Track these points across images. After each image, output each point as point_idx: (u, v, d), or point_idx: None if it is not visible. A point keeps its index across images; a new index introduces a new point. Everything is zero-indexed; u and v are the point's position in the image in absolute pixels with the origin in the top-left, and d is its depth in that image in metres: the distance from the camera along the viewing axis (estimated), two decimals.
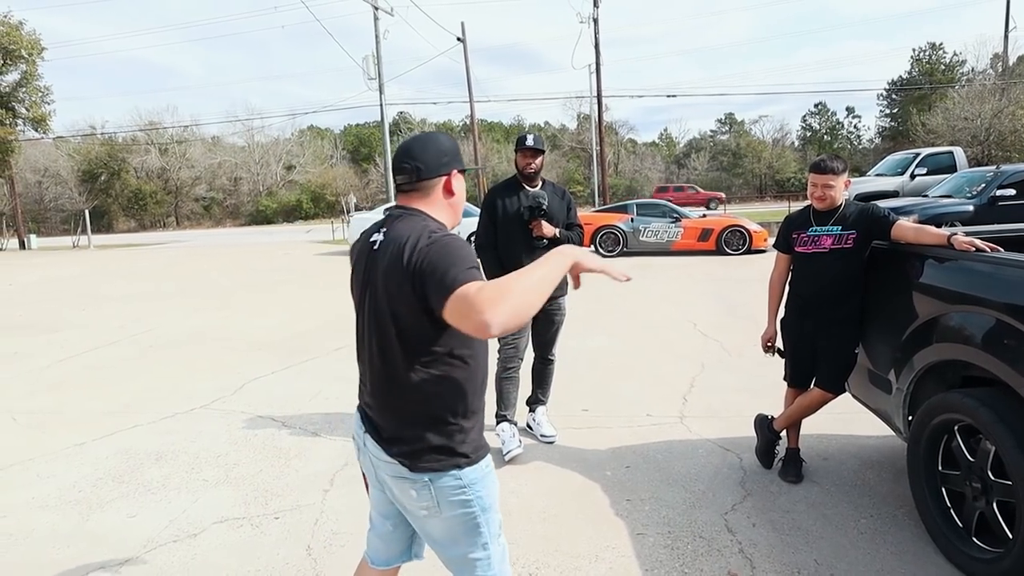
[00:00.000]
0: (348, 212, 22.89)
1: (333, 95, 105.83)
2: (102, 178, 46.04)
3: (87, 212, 28.69)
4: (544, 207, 3.58)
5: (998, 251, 2.52)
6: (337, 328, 7.51)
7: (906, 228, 2.92)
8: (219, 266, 15.55)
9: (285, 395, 5.00)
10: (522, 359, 3.79)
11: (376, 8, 22.55)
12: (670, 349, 6.06)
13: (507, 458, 3.56)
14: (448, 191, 1.68)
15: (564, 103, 55.24)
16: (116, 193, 46.35)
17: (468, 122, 32.59)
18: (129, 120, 52.25)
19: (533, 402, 3.98)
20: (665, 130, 62.80)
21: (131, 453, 3.94)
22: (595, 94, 27.00)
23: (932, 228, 2.88)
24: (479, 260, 3.64)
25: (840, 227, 3.07)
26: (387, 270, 1.53)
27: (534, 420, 3.96)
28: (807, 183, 3.23)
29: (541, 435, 3.88)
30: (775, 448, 3.44)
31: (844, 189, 3.11)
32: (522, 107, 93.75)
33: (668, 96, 70.02)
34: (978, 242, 2.57)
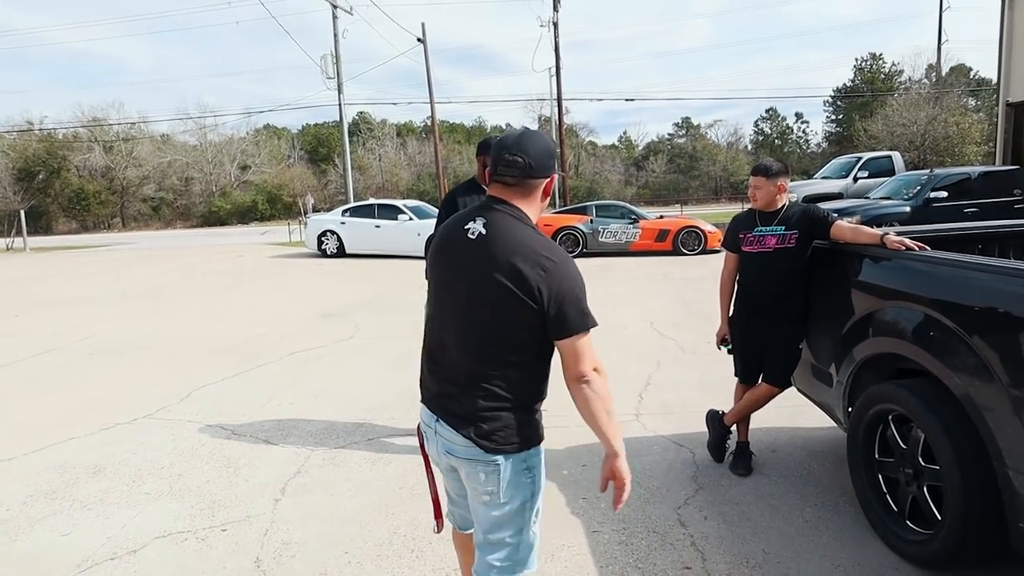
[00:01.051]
0: (306, 213, 22.50)
1: (290, 94, 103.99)
2: (40, 177, 44.05)
3: (23, 213, 27.38)
4: None
5: (925, 250, 2.64)
6: (292, 332, 7.38)
7: (844, 228, 3.04)
8: (168, 269, 15.10)
9: (236, 402, 4.88)
10: None
11: (335, 7, 22.27)
12: (627, 348, 6.14)
13: None
14: (547, 193, 1.72)
15: (525, 105, 55.53)
16: (56, 193, 44.41)
17: (429, 123, 32.48)
18: (71, 116, 49.90)
19: None
20: (624, 133, 63.55)
21: (66, 467, 3.78)
22: (555, 97, 27.20)
23: (867, 228, 3.01)
24: None
25: (783, 227, 3.18)
26: (498, 267, 1.58)
27: None
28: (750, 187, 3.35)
29: None
30: (726, 442, 3.53)
31: (781, 191, 3.21)
32: (483, 109, 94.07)
33: (627, 100, 71.10)
34: (908, 241, 2.70)
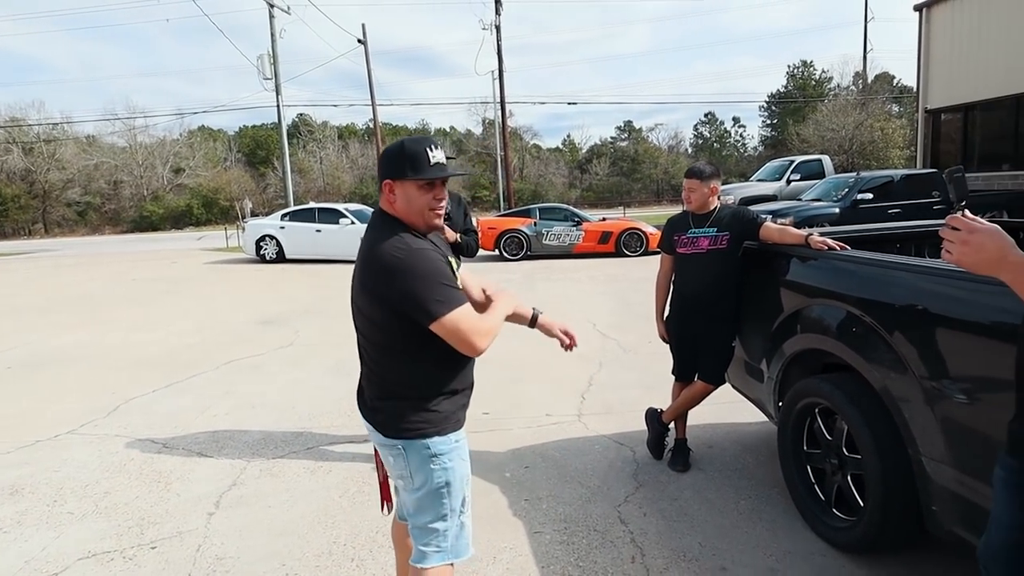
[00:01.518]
0: (243, 218, 21.84)
1: (226, 95, 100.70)
2: None
3: None
4: (448, 212, 3.56)
5: (846, 249, 2.76)
6: (228, 341, 7.15)
7: (772, 229, 3.15)
8: (95, 276, 14.41)
9: (167, 414, 4.69)
10: None
11: (272, 6, 21.73)
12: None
13: None
14: (388, 194, 1.81)
15: (469, 108, 55.54)
16: None
17: (371, 125, 32.00)
18: None
19: None
20: (568, 136, 64.31)
21: None
22: (499, 100, 27.28)
23: (793, 229, 3.13)
24: None
25: (715, 229, 3.27)
26: (359, 274, 1.80)
27: None
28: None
29: None
30: (665, 439, 3.60)
31: (713, 194, 3.31)
32: (427, 111, 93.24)
33: (569, 104, 71.98)
34: (830, 241, 2.82)
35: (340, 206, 16.21)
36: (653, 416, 3.64)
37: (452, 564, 1.89)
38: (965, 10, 15.54)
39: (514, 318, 2.05)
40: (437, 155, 1.76)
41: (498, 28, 25.80)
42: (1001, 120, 15.04)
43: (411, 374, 1.79)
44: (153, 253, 20.95)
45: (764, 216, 3.36)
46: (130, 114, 48.22)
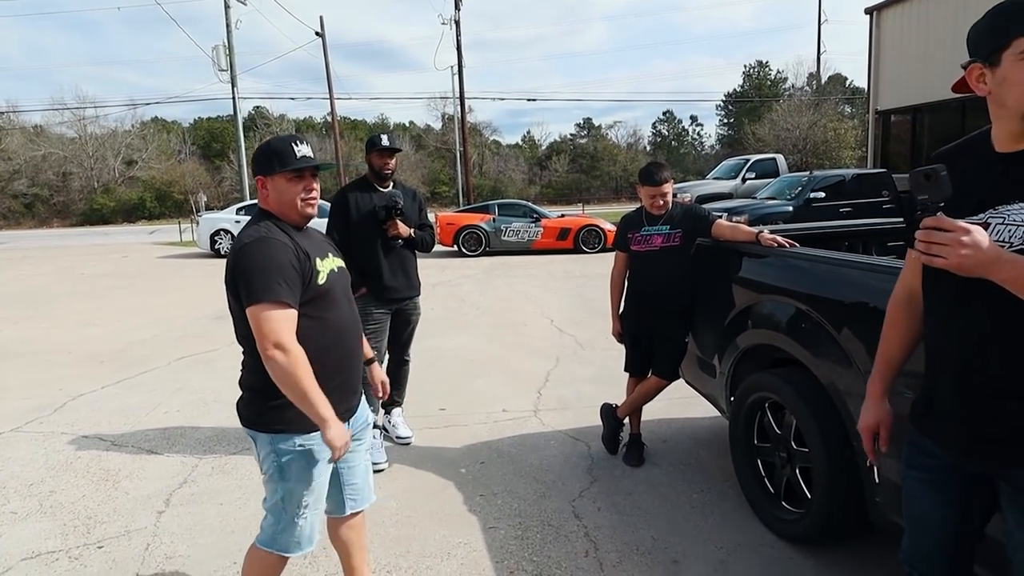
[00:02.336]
0: (198, 212, 21.25)
1: (180, 86, 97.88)
2: None
3: None
4: (400, 206, 3.54)
5: (795, 247, 2.84)
6: (180, 336, 6.97)
7: (723, 226, 3.23)
8: (42, 271, 13.86)
9: (116, 411, 4.55)
10: (384, 361, 3.73)
11: None
12: (527, 345, 6.23)
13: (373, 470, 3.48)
14: (261, 190, 1.93)
15: (428, 103, 55.18)
16: None
17: (330, 119, 31.43)
18: None
19: (388, 404, 3.92)
20: (528, 132, 64.37)
21: None
22: (458, 95, 27.15)
23: (744, 226, 3.21)
24: None
25: (668, 226, 3.32)
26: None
27: (389, 422, 3.91)
28: (641, 191, 3.38)
29: (397, 436, 3.84)
30: (619, 434, 3.65)
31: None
32: (386, 106, 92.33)
33: (529, 100, 72.15)
34: (779, 239, 2.89)
35: None
36: (608, 412, 3.69)
37: (273, 553, 1.95)
38: (913, 13, 16.10)
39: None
40: (303, 149, 1.89)
41: (458, 23, 25.69)
42: (948, 122, 15.63)
43: (259, 366, 1.80)
44: (104, 247, 20.24)
45: (716, 214, 3.43)
46: (80, 104, 46.34)
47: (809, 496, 2.59)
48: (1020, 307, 1.20)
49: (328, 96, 26.73)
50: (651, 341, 3.45)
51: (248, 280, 1.74)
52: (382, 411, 3.89)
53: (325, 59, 26.32)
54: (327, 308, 1.88)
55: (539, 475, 3.38)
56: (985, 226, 1.25)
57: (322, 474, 1.93)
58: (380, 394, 2.31)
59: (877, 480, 1.54)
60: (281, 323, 1.71)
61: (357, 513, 2.16)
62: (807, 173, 13.12)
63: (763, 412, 2.87)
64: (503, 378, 5.16)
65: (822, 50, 36.24)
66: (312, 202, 1.90)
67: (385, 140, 3.59)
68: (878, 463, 1.62)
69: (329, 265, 1.94)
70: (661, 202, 3.32)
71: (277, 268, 1.75)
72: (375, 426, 3.68)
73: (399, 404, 3.97)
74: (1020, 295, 1.17)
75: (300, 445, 1.86)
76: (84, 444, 3.98)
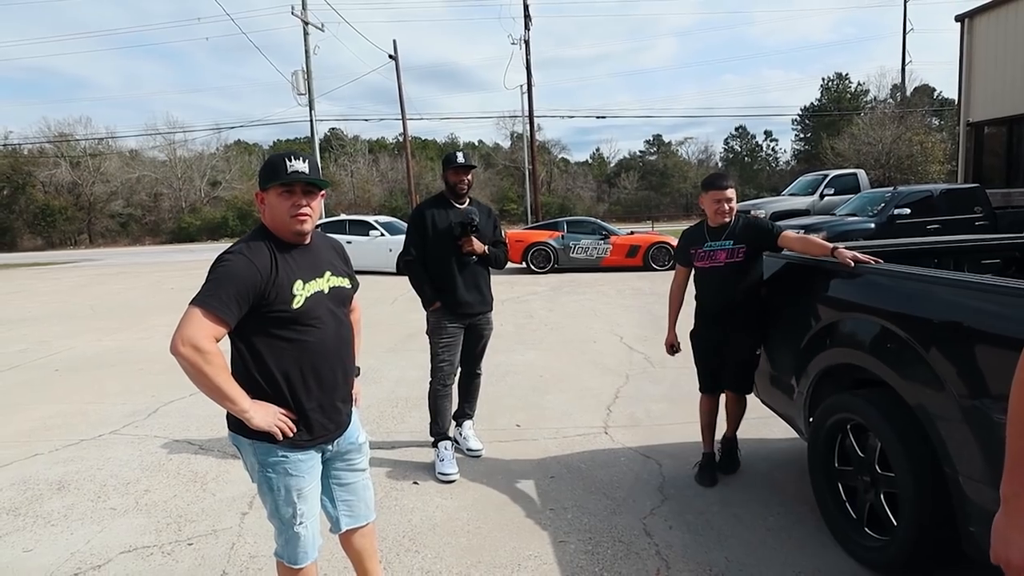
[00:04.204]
0: None
1: (261, 110, 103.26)
2: (4, 192, 43.11)
3: None
4: (476, 224, 3.62)
5: (878, 263, 2.73)
6: None
7: (792, 239, 3.14)
8: (135, 285, 14.84)
9: (204, 417, 4.82)
10: (456, 374, 3.80)
11: (306, 23, 22.26)
12: (596, 362, 6.20)
13: (442, 479, 3.55)
14: (261, 205, 1.96)
15: (497, 122, 56.03)
16: (20, 209, 43.44)
17: (401, 139, 32.50)
18: (36, 131, 49.09)
19: (460, 416, 3.99)
20: (597, 150, 64.29)
21: (29, 484, 3.70)
22: (527, 114, 27.47)
23: (817, 239, 3.09)
24: (412, 275, 3.62)
25: (732, 241, 3.27)
26: None
27: (460, 434, 3.97)
28: (704, 199, 3.35)
29: (468, 449, 3.90)
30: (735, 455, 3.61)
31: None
32: (455, 125, 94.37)
33: (598, 117, 72.02)
34: (859, 255, 2.78)
35: (370, 218, 16.45)
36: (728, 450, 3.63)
37: (285, 564, 1.99)
38: (1009, 20, 15.20)
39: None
40: (296, 165, 1.86)
41: (527, 42, 26.04)
42: None
43: (239, 372, 1.85)
44: (190, 263, 21.47)
45: (780, 226, 3.35)
46: (170, 129, 49.74)
47: (895, 523, 2.47)
48: None
49: (400, 117, 27.57)
50: (721, 357, 3.39)
51: (204, 283, 1.77)
52: (453, 423, 3.96)
53: (398, 81, 27.23)
54: (305, 330, 1.87)
55: (609, 491, 3.35)
56: None
57: (310, 482, 1.95)
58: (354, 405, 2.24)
59: None
60: (204, 329, 1.70)
61: (364, 525, 2.18)
62: (891, 189, 12.53)
63: (845, 434, 2.76)
64: (572, 394, 5.15)
65: (907, 60, 34.46)
66: (302, 218, 1.87)
67: (460, 157, 3.67)
68: None
69: (318, 287, 1.92)
70: (726, 207, 3.26)
71: (230, 281, 1.75)
72: (451, 439, 3.75)
73: (470, 417, 4.03)
74: None
75: (283, 456, 1.88)
76: (175, 447, 4.22)
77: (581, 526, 3.00)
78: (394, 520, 3.10)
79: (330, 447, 2.03)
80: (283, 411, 1.88)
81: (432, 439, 3.77)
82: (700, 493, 3.31)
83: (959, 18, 16.52)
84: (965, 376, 2.13)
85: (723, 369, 3.42)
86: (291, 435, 1.87)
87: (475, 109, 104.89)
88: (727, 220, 3.30)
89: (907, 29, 31.99)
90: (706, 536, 2.87)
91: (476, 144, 59.67)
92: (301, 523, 1.94)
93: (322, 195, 1.97)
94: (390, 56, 26.96)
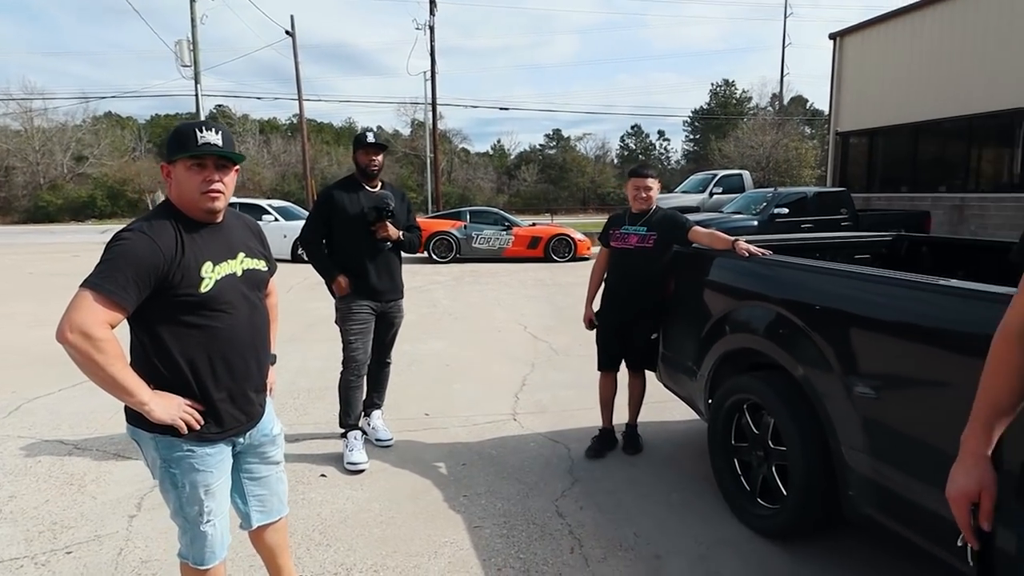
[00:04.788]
0: None
1: (136, 80, 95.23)
2: None
3: None
4: (391, 208, 3.52)
5: (769, 255, 2.94)
6: None
7: (701, 233, 3.35)
8: None
9: (77, 414, 4.40)
10: (367, 364, 3.68)
11: None
12: (502, 351, 6.25)
13: (351, 470, 3.44)
14: (167, 179, 1.80)
15: (398, 108, 54.90)
16: None
17: (295, 121, 31.11)
18: None
19: (368, 406, 3.89)
20: (498, 141, 64.74)
21: None
22: (430, 101, 27.13)
23: (722, 234, 3.31)
24: (314, 257, 3.47)
25: (646, 228, 3.47)
26: None
27: (369, 424, 3.87)
28: (628, 185, 3.61)
29: (377, 439, 3.81)
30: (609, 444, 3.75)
31: (657, 192, 3.57)
32: (354, 109, 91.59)
33: (501, 109, 72.53)
34: (754, 248, 3.00)
35: (263, 202, 15.68)
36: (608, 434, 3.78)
37: (190, 566, 1.86)
38: (876, 40, 16.77)
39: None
40: (209, 136, 1.71)
41: (432, 28, 25.68)
42: (901, 145, 16.30)
43: (138, 359, 1.74)
44: (51, 246, 19.55)
45: (692, 221, 3.56)
46: (26, 95, 44.69)
47: (785, 492, 2.66)
48: None
49: (297, 97, 26.39)
50: (623, 338, 3.58)
51: (97, 264, 1.62)
52: (362, 414, 3.85)
53: (295, 59, 26.03)
54: (214, 316, 1.75)
55: (521, 476, 3.39)
56: None
57: (219, 478, 1.83)
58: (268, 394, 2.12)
59: (971, 562, 1.23)
60: (96, 314, 1.57)
61: (277, 520, 2.09)
62: (772, 189, 13.47)
63: (741, 413, 2.95)
64: (480, 382, 5.16)
65: (785, 72, 37.31)
66: (214, 195, 1.73)
67: (371, 137, 3.58)
68: (975, 544, 1.23)
69: (230, 269, 1.80)
70: (643, 194, 3.50)
71: (128, 263, 1.61)
72: (361, 429, 3.65)
73: (379, 407, 3.94)
74: None
75: (189, 450, 1.76)
76: (44, 448, 3.83)
77: (495, 511, 3.02)
78: (302, 514, 2.97)
79: (242, 439, 1.91)
80: (188, 402, 1.74)
81: (341, 430, 3.66)
82: (608, 474, 3.42)
83: (832, 36, 18.01)
84: (846, 356, 2.33)
85: (624, 350, 3.61)
86: (197, 428, 1.74)
87: (374, 93, 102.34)
88: (646, 207, 3.50)
89: (786, 43, 34.48)
90: (616, 514, 2.98)
91: (375, 130, 58.26)
92: (208, 521, 1.82)
93: (236, 170, 1.83)
94: (287, 32, 25.71)
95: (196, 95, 21.48)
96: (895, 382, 2.20)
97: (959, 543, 1.26)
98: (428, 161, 34.73)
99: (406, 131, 54.16)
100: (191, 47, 20.95)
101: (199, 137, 1.70)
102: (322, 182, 37.09)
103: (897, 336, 2.18)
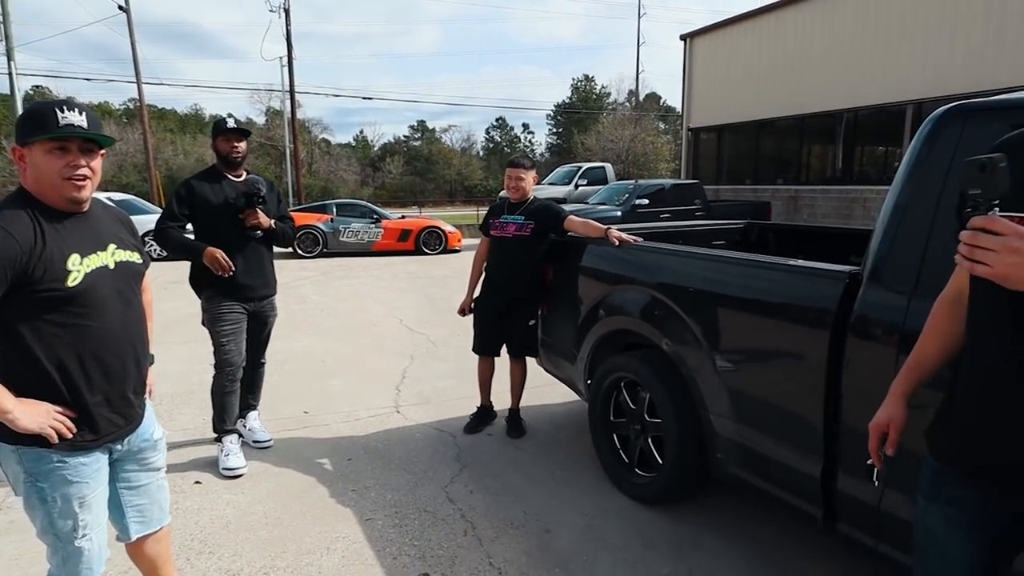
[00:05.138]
0: None
1: None
2: None
3: None
4: (262, 195, 3.31)
5: (640, 242, 3.16)
6: None
7: (575, 222, 3.53)
8: None
9: None
10: (242, 366, 3.48)
11: None
12: (379, 344, 6.16)
13: (229, 475, 3.26)
14: (19, 163, 1.64)
15: (251, 95, 51.67)
16: None
17: (131, 106, 28.27)
18: None
19: (244, 408, 3.69)
20: (360, 132, 62.97)
21: None
22: (287, 88, 25.84)
23: (595, 223, 3.49)
24: (170, 239, 3.13)
25: (524, 217, 3.61)
26: None
27: (246, 426, 3.68)
28: (505, 176, 3.73)
29: (255, 441, 3.63)
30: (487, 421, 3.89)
31: (532, 184, 3.68)
32: (200, 95, 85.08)
33: (364, 98, 70.61)
34: (625, 236, 3.21)
35: (102, 195, 14.21)
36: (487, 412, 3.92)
37: None
38: (720, 44, 18.24)
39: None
40: (72, 116, 1.57)
41: (287, 11, 24.47)
42: (745, 141, 17.90)
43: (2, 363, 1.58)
44: None
45: (567, 211, 3.73)
46: None
47: (660, 461, 2.89)
48: None
49: (135, 80, 24.07)
50: (501, 324, 3.71)
51: None
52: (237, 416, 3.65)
53: (131, 37, 23.69)
54: (85, 313, 1.60)
55: (409, 467, 3.40)
56: None
57: (95, 488, 1.68)
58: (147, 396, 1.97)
59: (876, 482, 1.48)
60: None
61: (158, 530, 1.95)
62: (633, 182, 14.27)
63: (619, 391, 3.15)
64: (359, 377, 5.06)
65: (641, 70, 39.80)
66: (79, 182, 1.60)
67: (232, 122, 3.36)
68: (880, 466, 1.44)
69: (101, 261, 1.66)
70: (517, 184, 3.63)
71: None
72: (231, 431, 3.45)
73: (255, 407, 3.75)
74: None
75: (60, 461, 1.61)
76: None
77: (386, 502, 3.00)
78: (177, 524, 2.78)
79: (120, 446, 1.76)
80: (58, 409, 1.59)
81: (214, 435, 3.45)
82: (495, 458, 3.51)
83: (683, 37, 19.34)
84: (712, 333, 2.56)
85: (504, 337, 3.74)
86: (69, 436, 1.59)
87: (222, 78, 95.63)
88: (522, 197, 3.63)
89: (640, 42, 36.56)
90: (505, 496, 3.07)
91: (227, 117, 54.49)
92: (85, 536, 1.67)
93: (102, 154, 1.68)
94: (120, 7, 23.34)
95: (10, 73, 18.94)
96: (752, 352, 2.46)
97: (868, 462, 1.46)
98: (287, 152, 33.12)
99: (261, 120, 51.20)
100: (2, 18, 18.45)
101: (60, 117, 1.55)
102: (166, 173, 34.25)
103: (753, 313, 2.43)
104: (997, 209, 1.00)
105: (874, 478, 1.46)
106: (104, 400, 1.68)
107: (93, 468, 1.67)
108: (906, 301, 1.87)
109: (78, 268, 1.59)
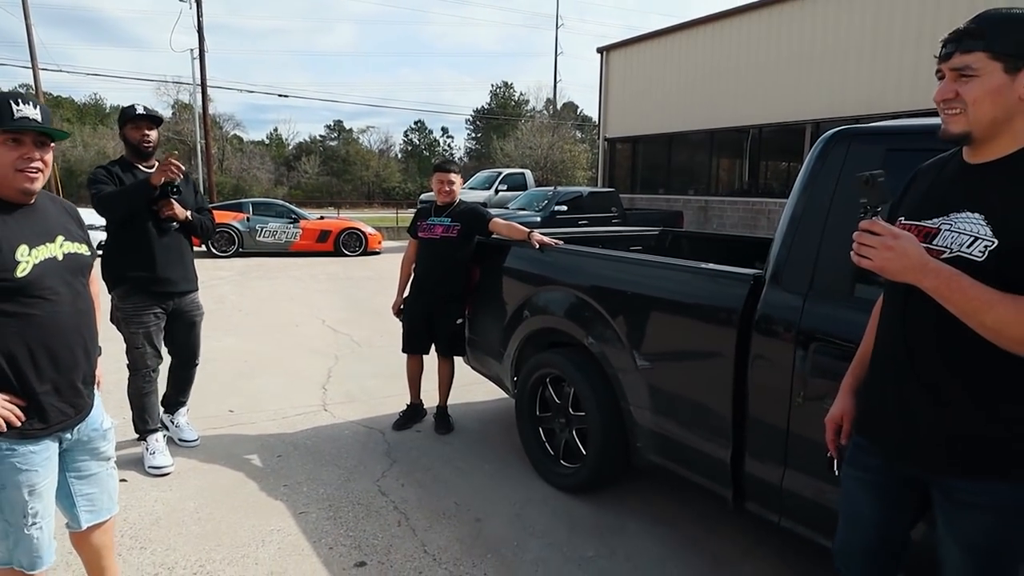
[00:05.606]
0: None
1: None
2: None
3: None
4: (177, 184, 3.19)
5: (560, 245, 3.36)
6: None
7: (500, 225, 3.71)
8: None
9: None
10: (159, 365, 3.40)
11: None
12: (303, 344, 6.11)
13: (156, 473, 3.21)
14: None
15: (158, 87, 48.92)
16: None
17: (25, 92, 26.09)
18: None
19: (172, 405, 3.61)
20: (275, 130, 60.97)
21: None
22: (199, 82, 24.72)
23: (519, 226, 3.67)
24: (111, 196, 2.99)
25: (450, 219, 3.76)
26: None
27: (174, 423, 3.61)
28: (432, 179, 3.89)
29: (181, 439, 3.57)
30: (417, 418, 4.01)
31: (459, 187, 3.85)
32: (100, 84, 79.71)
33: (280, 95, 68.47)
34: (547, 239, 3.41)
35: None
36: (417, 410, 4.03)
37: (15, 570, 1.73)
38: (635, 58, 19.00)
39: None
40: (27, 110, 1.62)
41: (199, 1, 23.44)
42: (656, 152, 18.72)
43: None
44: None
45: (492, 213, 3.92)
46: None
47: (584, 452, 3.09)
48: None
49: (30, 65, 22.39)
50: (429, 323, 3.84)
51: None
52: (162, 411, 3.58)
53: (26, 19, 22.04)
54: (33, 303, 1.62)
55: (339, 462, 3.45)
56: (936, 232, 1.29)
57: (45, 477, 1.70)
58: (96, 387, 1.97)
59: (837, 472, 1.60)
60: None
61: (106, 520, 1.98)
62: (552, 188, 14.64)
63: (545, 386, 3.33)
64: (284, 377, 5.03)
65: (558, 79, 40.60)
66: (32, 174, 1.62)
67: (141, 108, 3.23)
68: (837, 455, 1.60)
69: (49, 253, 1.68)
70: (447, 188, 3.80)
71: None
72: (156, 430, 3.38)
73: (184, 404, 3.68)
74: (943, 304, 1.21)
75: (9, 449, 1.63)
76: None
77: (318, 496, 3.05)
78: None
79: (69, 435, 1.77)
80: (7, 397, 1.60)
81: (137, 435, 3.38)
82: (425, 453, 3.61)
83: (600, 50, 20.01)
84: (632, 330, 2.79)
85: (432, 336, 3.87)
86: (18, 424, 1.60)
87: (125, 68, 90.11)
88: (450, 200, 3.79)
89: (558, 52, 37.39)
90: (435, 488, 3.19)
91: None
92: (35, 523, 1.68)
93: (52, 147, 1.70)
94: None
95: None
96: (668, 348, 2.70)
97: (828, 455, 1.64)
98: (198, 148, 31.62)
99: (168, 113, 48.64)
100: None
101: (15, 110, 1.59)
102: (64, 165, 32.00)
103: (668, 311, 2.67)
104: (880, 215, 1.25)
105: (834, 469, 1.64)
106: (53, 389, 1.69)
107: (43, 457, 1.68)
108: (802, 301, 2.14)
109: (27, 259, 1.61)
